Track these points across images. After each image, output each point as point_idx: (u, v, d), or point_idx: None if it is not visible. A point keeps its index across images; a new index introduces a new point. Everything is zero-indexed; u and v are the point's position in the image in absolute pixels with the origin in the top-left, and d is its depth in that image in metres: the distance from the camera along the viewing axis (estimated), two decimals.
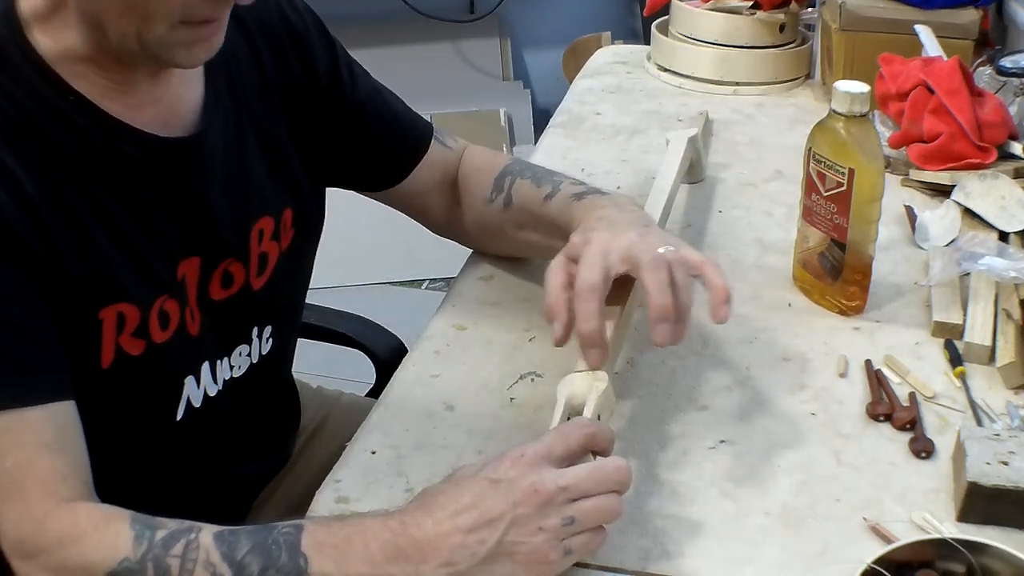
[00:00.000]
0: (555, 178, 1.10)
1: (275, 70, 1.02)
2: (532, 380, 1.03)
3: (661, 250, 0.89)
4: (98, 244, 0.86)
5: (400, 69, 3.01)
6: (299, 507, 0.91)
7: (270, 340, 1.06)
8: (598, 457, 0.81)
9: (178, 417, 0.96)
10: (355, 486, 0.90)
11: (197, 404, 0.97)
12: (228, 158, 0.96)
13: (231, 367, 1.02)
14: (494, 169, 1.15)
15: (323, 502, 0.89)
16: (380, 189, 1.16)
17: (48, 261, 0.83)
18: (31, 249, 0.81)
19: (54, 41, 0.84)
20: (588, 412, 0.87)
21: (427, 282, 2.92)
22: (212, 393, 0.99)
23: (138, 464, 0.96)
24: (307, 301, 1.27)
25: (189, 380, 0.96)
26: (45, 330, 0.83)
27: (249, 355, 1.04)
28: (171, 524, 0.78)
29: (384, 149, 1.14)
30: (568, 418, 0.89)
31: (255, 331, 1.04)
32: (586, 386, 0.90)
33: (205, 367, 0.98)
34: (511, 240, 1.15)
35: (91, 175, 0.86)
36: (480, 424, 0.97)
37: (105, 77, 0.86)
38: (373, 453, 0.94)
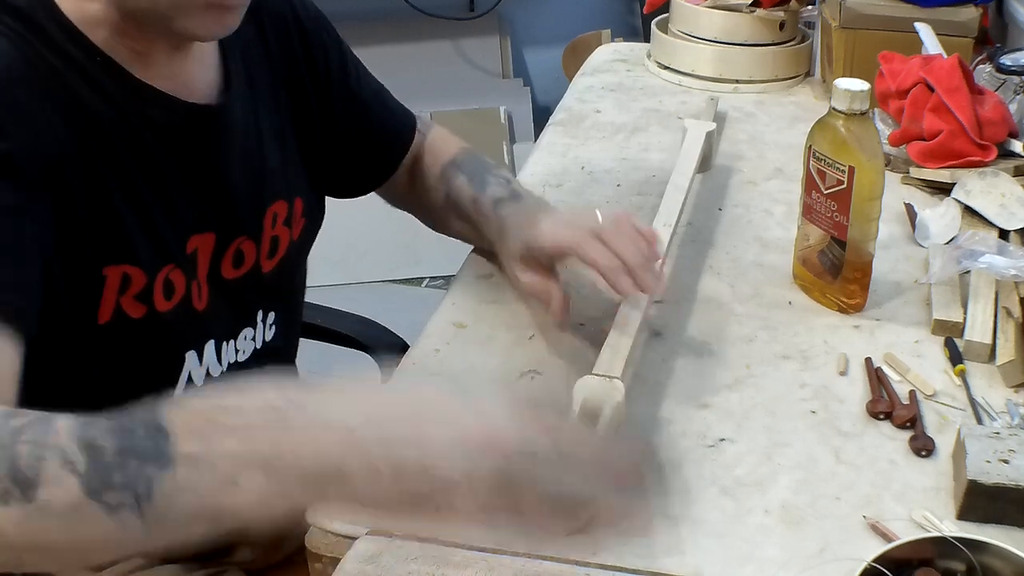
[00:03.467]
0: (487, 177, 1.16)
1: (281, 61, 1.04)
2: (532, 378, 1.03)
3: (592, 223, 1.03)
4: (114, 203, 0.87)
5: (400, 67, 3.01)
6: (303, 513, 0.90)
7: (273, 327, 1.08)
8: None
9: (179, 392, 0.97)
10: None
11: (199, 382, 0.98)
12: (246, 136, 0.98)
13: (236, 351, 1.03)
14: (444, 157, 1.20)
15: None
16: (368, 189, 1.19)
17: (63, 207, 0.84)
18: (49, 185, 0.82)
19: (78, 8, 0.85)
20: (602, 423, 0.88)
21: (427, 280, 2.92)
22: (215, 374, 1.00)
23: None
24: (307, 300, 1.28)
25: (191, 355, 0.97)
26: (23, 256, 0.79)
27: (253, 339, 1.05)
28: (32, 414, 0.66)
29: (381, 146, 1.17)
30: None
31: (260, 315, 1.05)
32: (603, 392, 0.91)
33: (210, 345, 0.99)
34: (451, 227, 1.21)
35: (116, 137, 0.87)
36: None
37: (127, 46, 0.87)
38: None
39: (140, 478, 0.61)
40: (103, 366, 0.92)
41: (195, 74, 0.94)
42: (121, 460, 0.62)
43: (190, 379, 0.98)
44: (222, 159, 0.96)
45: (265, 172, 1.00)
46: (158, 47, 0.89)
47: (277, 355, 1.10)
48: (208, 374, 1.00)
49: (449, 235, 1.24)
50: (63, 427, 0.64)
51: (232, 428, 0.61)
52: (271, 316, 1.07)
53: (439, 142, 1.22)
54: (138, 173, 0.89)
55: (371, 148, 1.16)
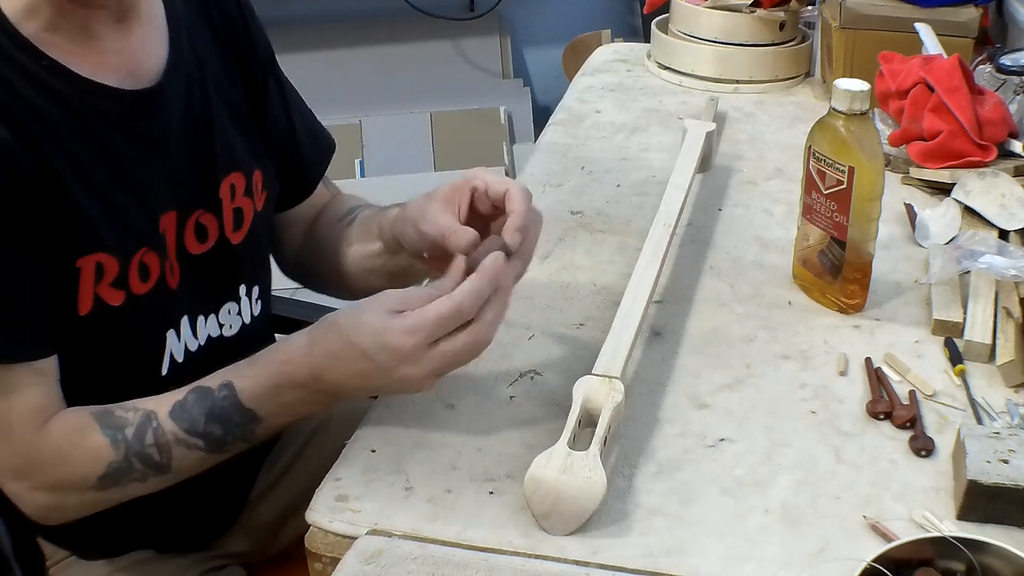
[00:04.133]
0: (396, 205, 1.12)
1: (229, 41, 1.05)
2: (532, 378, 1.03)
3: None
4: (76, 198, 0.89)
5: (400, 67, 3.02)
6: (297, 506, 0.92)
7: (259, 302, 1.09)
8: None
9: (163, 372, 0.99)
10: (355, 484, 0.91)
11: (180, 359, 1.00)
12: (191, 110, 0.99)
13: (220, 325, 1.05)
14: (353, 202, 1.18)
15: (323, 500, 0.89)
16: (286, 205, 1.16)
17: (24, 209, 0.86)
18: (9, 195, 0.85)
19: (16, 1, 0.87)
20: (602, 423, 0.88)
21: (427, 280, 2.91)
22: (193, 348, 1.02)
23: None
24: (305, 300, 1.28)
25: (171, 334, 0.99)
26: (27, 287, 0.87)
27: (240, 314, 1.07)
28: (130, 417, 0.91)
29: (303, 151, 1.15)
30: (580, 422, 0.89)
31: (243, 289, 1.06)
32: (603, 392, 0.91)
33: (184, 321, 1.00)
34: (336, 257, 1.14)
35: (69, 134, 0.89)
36: (479, 422, 0.97)
37: (72, 23, 0.89)
38: (373, 451, 0.94)
39: (245, 433, 0.93)
40: (90, 355, 0.94)
41: (142, 50, 0.95)
42: (226, 432, 0.92)
43: (172, 357, 0.99)
44: (168, 135, 0.97)
45: (216, 145, 1.01)
46: (100, 20, 0.91)
47: (265, 328, 1.12)
48: (187, 349, 1.01)
49: (327, 271, 1.17)
50: (170, 425, 0.91)
51: (288, 391, 0.91)
52: (255, 290, 1.08)
53: (351, 197, 1.21)
54: (96, 164, 0.91)
55: (294, 158, 1.14)
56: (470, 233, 0.92)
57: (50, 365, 0.91)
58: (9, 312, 0.87)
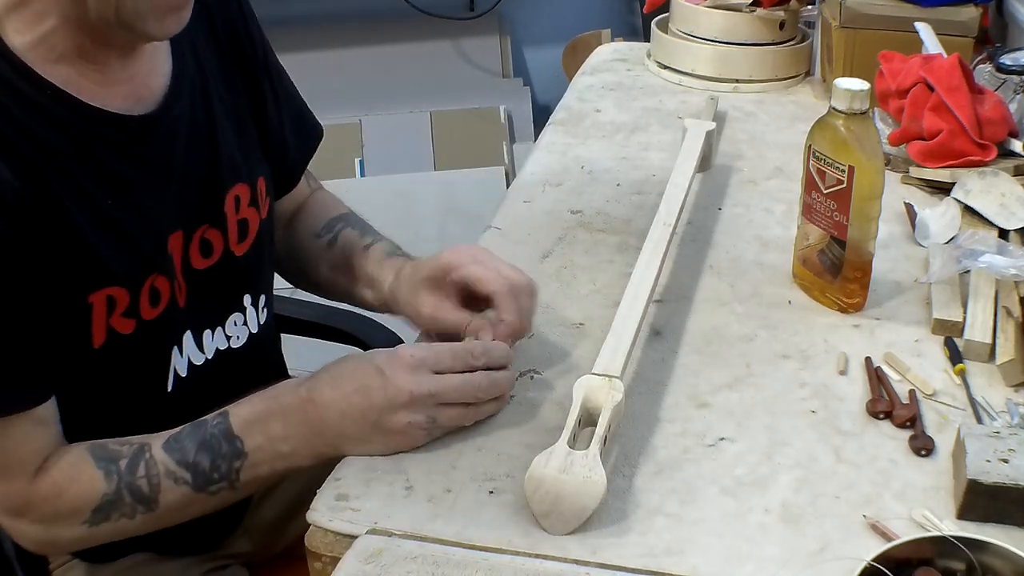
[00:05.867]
0: (377, 235, 1.17)
1: (231, 48, 1.05)
2: (531, 378, 1.03)
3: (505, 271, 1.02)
4: (83, 233, 0.88)
5: (400, 67, 3.01)
6: (299, 505, 0.92)
7: (265, 310, 1.09)
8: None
9: (169, 388, 0.99)
10: (355, 484, 0.90)
11: (184, 374, 1.00)
12: (196, 127, 0.99)
13: (227, 337, 1.05)
14: (332, 211, 1.20)
15: (323, 500, 0.89)
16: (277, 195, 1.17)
17: (32, 251, 0.85)
18: (12, 243, 0.83)
19: (28, 29, 0.86)
20: (602, 423, 0.88)
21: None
22: (198, 362, 1.02)
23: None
24: (305, 299, 1.28)
25: (174, 351, 0.99)
26: (23, 335, 0.86)
27: (246, 324, 1.07)
28: (124, 450, 0.91)
29: (289, 145, 1.16)
30: (580, 421, 0.89)
31: (248, 299, 1.07)
32: (603, 391, 0.91)
33: (187, 336, 1.00)
34: (320, 276, 1.18)
35: (74, 165, 0.88)
36: (479, 422, 0.97)
37: (81, 57, 0.88)
38: None
39: (230, 471, 0.92)
40: (99, 381, 0.94)
41: (148, 71, 0.95)
42: (213, 465, 0.91)
43: (176, 373, 0.99)
44: (173, 154, 0.96)
45: (220, 158, 1.01)
46: (114, 53, 0.90)
47: (272, 337, 1.13)
48: (192, 364, 1.01)
49: (313, 282, 1.21)
50: (161, 457, 0.91)
51: (277, 420, 0.91)
52: (262, 299, 1.08)
53: (328, 198, 1.23)
54: (103, 195, 0.90)
55: (282, 155, 1.15)
56: (485, 325, 0.99)
57: (49, 410, 0.90)
58: (7, 364, 0.86)
